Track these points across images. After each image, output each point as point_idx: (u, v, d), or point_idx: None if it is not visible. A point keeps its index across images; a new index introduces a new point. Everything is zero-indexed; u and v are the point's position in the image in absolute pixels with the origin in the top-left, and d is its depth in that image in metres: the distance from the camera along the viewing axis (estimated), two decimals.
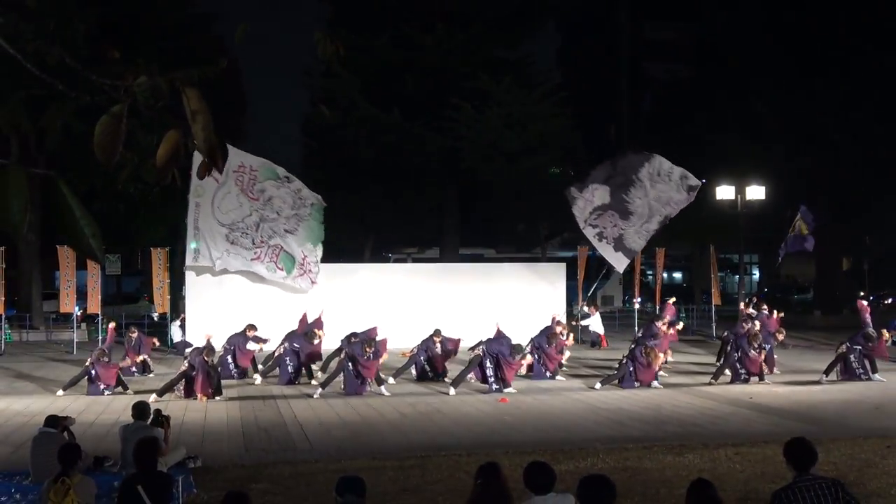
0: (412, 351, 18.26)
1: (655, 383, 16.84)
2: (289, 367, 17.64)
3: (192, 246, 20.95)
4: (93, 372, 16.05)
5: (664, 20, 57.56)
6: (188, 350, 17.89)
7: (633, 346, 17.66)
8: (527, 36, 36.05)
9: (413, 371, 18.08)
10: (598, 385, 16.79)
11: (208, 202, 20.65)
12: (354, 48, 29.20)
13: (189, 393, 15.55)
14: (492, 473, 5.27)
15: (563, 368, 19.44)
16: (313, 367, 18.37)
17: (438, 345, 17.93)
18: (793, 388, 16.77)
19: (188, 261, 21.46)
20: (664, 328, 19.07)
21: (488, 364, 16.52)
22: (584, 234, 23.10)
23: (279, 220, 21.16)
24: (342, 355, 16.87)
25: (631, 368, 16.82)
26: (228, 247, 20.91)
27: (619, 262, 22.88)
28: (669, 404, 14.98)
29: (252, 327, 18.14)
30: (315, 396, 15.64)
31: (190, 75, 2.65)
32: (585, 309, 26.06)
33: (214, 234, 20.86)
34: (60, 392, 16.09)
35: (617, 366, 17.46)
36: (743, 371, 17.29)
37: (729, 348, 18.53)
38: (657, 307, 25.06)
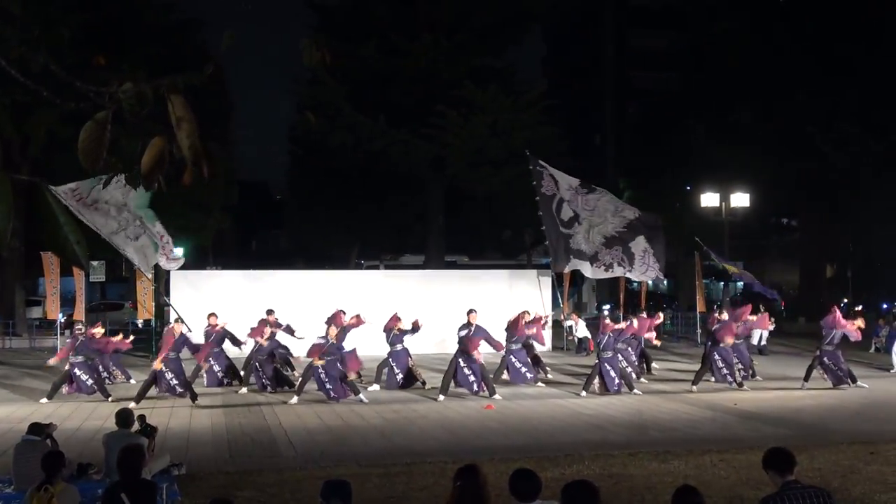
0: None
1: (636, 391, 16.89)
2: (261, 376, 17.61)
3: (132, 257, 19.94)
4: (75, 371, 16.07)
5: (650, 28, 57.78)
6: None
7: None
8: (512, 44, 36.16)
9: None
10: (582, 393, 16.80)
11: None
12: (341, 55, 29.21)
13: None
14: (471, 475, 5.26)
15: (549, 376, 19.46)
16: (295, 373, 18.34)
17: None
18: (776, 394, 16.85)
19: (146, 272, 20.74)
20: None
21: (465, 370, 16.52)
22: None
23: (123, 217, 19.12)
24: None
25: (611, 372, 16.91)
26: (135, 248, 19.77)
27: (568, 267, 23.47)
28: (652, 410, 15.02)
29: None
30: (292, 402, 15.60)
31: (175, 82, 2.64)
32: (570, 321, 26.18)
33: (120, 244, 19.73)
34: (44, 400, 16.00)
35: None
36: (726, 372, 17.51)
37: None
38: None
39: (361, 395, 15.91)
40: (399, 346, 17.54)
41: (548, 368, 19.94)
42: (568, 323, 26.09)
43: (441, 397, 16.16)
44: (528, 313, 18.92)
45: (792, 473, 5.47)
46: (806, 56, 34.06)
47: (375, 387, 17.37)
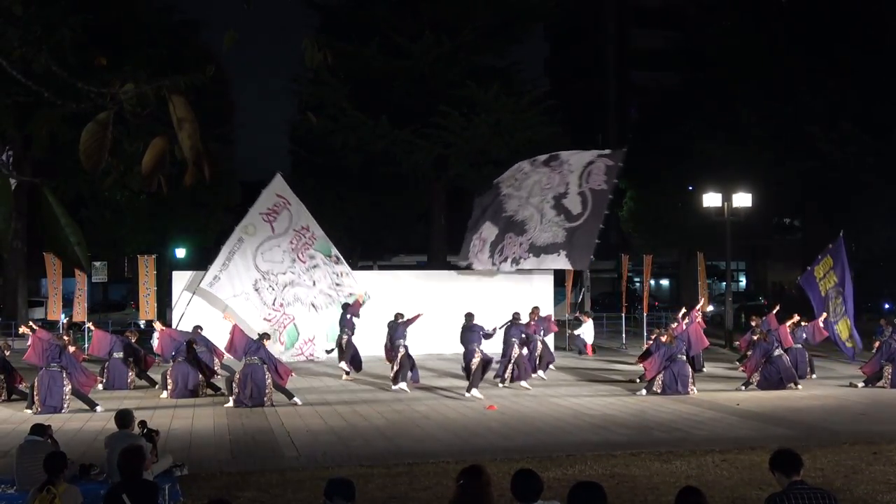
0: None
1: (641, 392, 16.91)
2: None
3: (214, 272, 20.54)
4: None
5: (651, 28, 57.80)
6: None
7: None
8: (514, 43, 36.15)
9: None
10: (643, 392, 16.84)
11: (254, 244, 20.45)
12: (342, 55, 29.20)
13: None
14: (473, 475, 5.26)
15: (544, 374, 19.52)
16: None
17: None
18: (778, 394, 16.82)
19: (204, 283, 20.86)
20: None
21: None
22: (504, 270, 22.60)
23: (312, 291, 20.71)
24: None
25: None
26: (251, 292, 20.53)
27: (564, 264, 21.83)
28: (654, 410, 15.00)
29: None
30: (298, 403, 15.61)
31: (176, 83, 2.64)
32: (581, 318, 26.09)
33: (243, 274, 20.51)
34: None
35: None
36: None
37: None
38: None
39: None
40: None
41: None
42: (579, 328, 25.94)
43: (470, 394, 16.36)
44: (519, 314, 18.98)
45: (798, 474, 5.48)
46: (806, 55, 34.04)
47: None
